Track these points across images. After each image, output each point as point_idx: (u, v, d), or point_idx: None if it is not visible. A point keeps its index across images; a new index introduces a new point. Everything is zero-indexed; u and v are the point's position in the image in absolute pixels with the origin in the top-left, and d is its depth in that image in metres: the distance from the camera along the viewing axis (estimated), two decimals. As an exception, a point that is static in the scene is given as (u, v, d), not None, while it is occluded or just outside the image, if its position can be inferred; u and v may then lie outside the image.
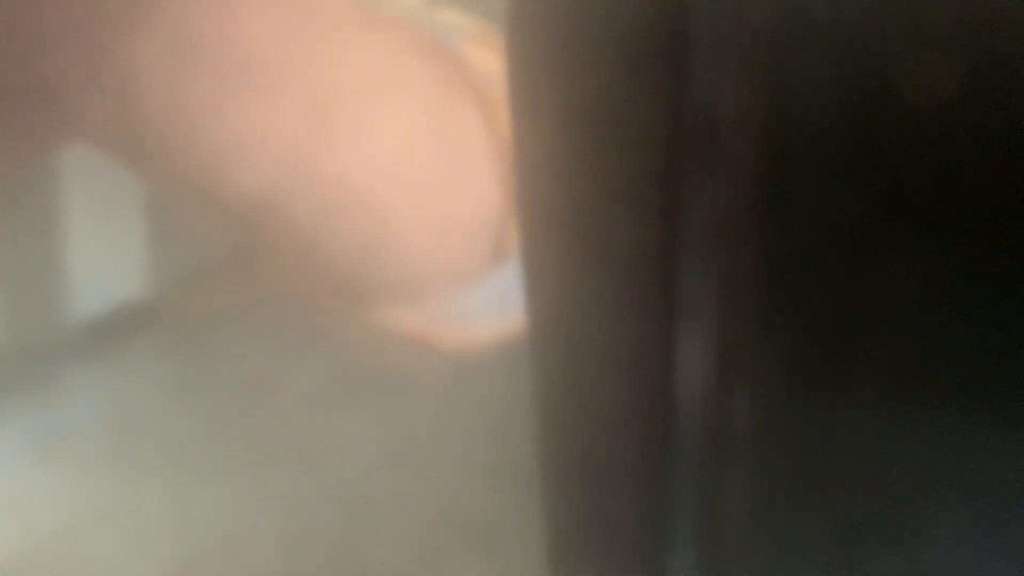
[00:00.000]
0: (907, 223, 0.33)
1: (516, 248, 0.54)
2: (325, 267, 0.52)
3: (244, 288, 0.67)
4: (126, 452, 0.65)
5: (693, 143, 0.34)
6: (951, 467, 0.35)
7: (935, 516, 0.35)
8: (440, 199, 0.53)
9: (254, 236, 0.52)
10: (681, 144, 0.34)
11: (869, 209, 0.33)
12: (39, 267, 0.68)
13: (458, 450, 0.61)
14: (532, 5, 0.37)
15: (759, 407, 0.35)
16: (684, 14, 0.33)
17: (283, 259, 0.53)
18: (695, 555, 0.36)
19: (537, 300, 0.40)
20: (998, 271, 0.33)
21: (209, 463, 0.63)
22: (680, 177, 0.34)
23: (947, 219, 0.33)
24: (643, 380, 0.36)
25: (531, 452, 0.41)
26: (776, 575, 0.36)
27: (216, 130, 0.48)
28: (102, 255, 0.68)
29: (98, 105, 0.46)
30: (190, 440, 0.64)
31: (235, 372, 0.65)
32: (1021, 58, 0.31)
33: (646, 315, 0.36)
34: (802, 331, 0.34)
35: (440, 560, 0.60)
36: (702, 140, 0.34)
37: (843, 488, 0.35)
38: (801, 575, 0.36)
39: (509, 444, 0.41)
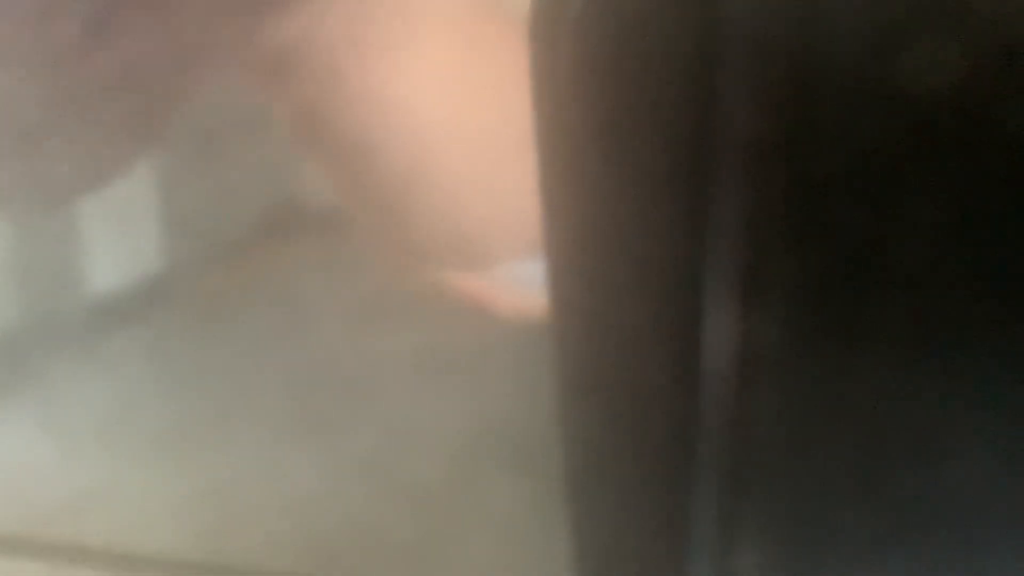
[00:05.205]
0: (936, 150, 0.33)
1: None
2: (408, 223, 0.55)
3: (263, 266, 0.68)
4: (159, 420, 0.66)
5: (724, 68, 0.34)
6: (976, 392, 0.35)
7: (959, 442, 0.35)
8: (506, 171, 0.56)
9: (354, 184, 0.54)
10: (712, 69, 0.34)
11: (897, 137, 0.33)
12: (55, 244, 0.68)
13: (493, 365, 0.62)
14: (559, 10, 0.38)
15: (785, 333, 0.35)
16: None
17: (374, 210, 0.56)
18: (719, 477, 0.37)
19: (563, 214, 0.39)
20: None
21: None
22: (710, 101, 0.34)
23: (976, 148, 0.33)
24: (669, 303, 0.36)
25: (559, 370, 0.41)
26: (801, 499, 0.37)
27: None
28: (116, 232, 0.69)
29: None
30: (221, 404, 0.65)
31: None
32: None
33: (673, 237, 0.36)
34: (829, 259, 0.34)
35: (474, 479, 0.61)
36: (733, 63, 0.34)
37: (868, 414, 0.35)
38: (825, 499, 0.36)
39: (547, 362, 0.42)
